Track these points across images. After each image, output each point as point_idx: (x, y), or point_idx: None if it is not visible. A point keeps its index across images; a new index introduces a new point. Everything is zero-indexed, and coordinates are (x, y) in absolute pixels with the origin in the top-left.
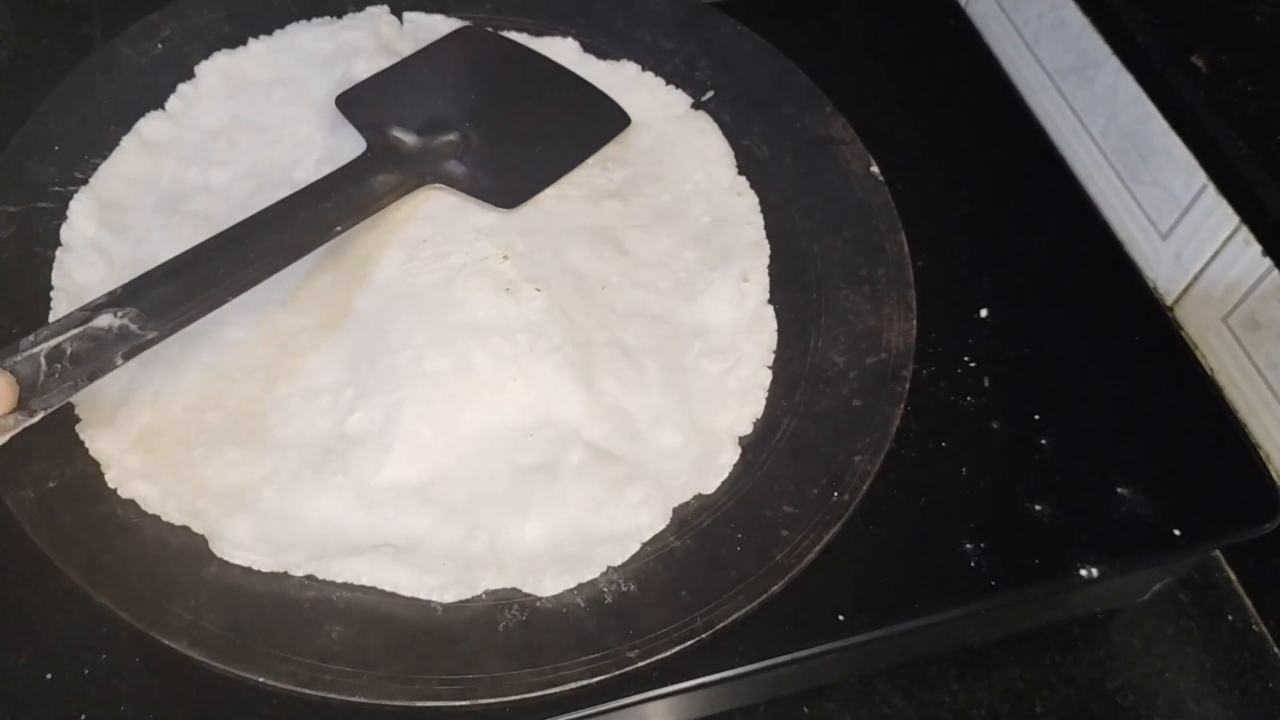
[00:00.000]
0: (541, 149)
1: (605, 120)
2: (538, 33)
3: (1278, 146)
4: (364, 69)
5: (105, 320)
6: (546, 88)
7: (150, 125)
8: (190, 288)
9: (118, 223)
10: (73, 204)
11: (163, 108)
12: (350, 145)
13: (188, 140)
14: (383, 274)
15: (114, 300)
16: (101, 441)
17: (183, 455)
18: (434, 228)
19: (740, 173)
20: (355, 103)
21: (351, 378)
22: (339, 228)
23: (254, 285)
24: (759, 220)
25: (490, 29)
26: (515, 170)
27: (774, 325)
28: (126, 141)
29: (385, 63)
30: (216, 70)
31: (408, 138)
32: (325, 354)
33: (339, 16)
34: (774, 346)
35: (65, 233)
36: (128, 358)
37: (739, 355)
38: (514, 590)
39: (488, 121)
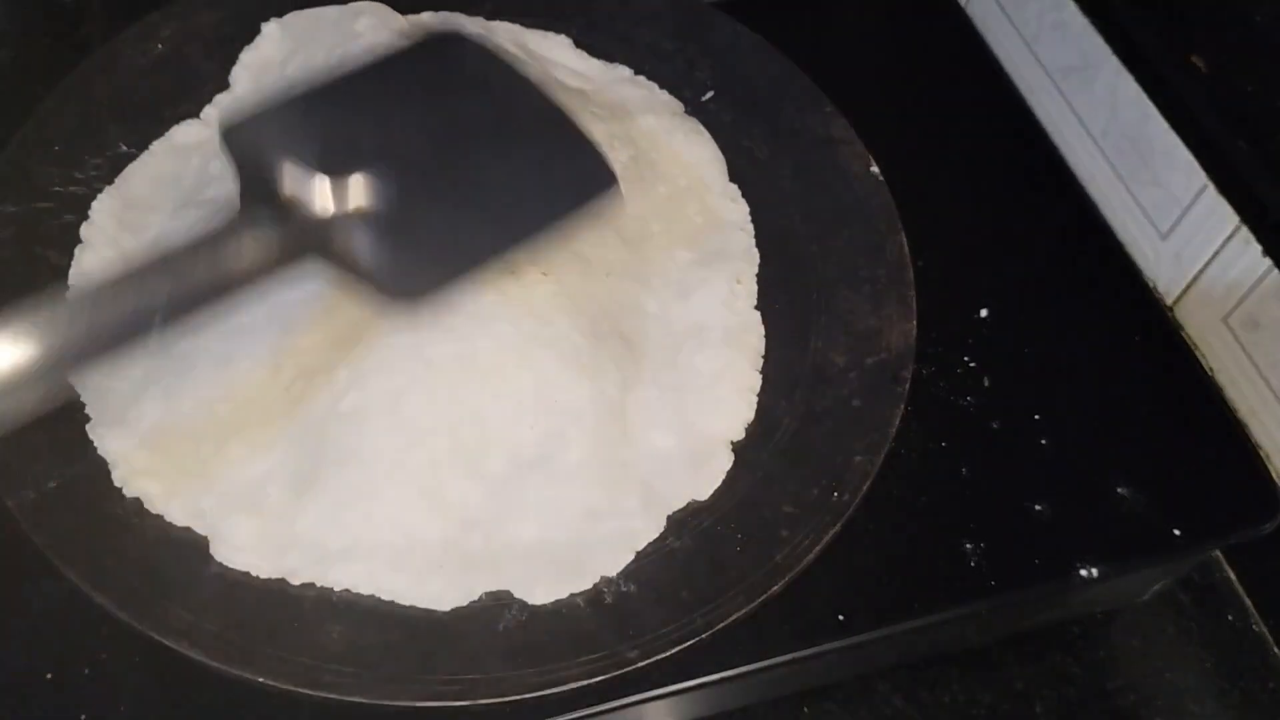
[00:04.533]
0: (479, 215)
1: (581, 182)
2: (533, 29)
3: (1278, 146)
4: (365, 25)
5: None
6: (514, 124)
7: (183, 131)
8: None
9: (137, 221)
10: (95, 203)
11: (198, 117)
12: None
13: (216, 140)
14: None
15: None
16: (111, 440)
17: (190, 451)
18: None
19: (739, 174)
20: (245, 132)
21: (347, 355)
22: (156, 325)
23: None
24: (750, 228)
25: (471, 38)
26: (430, 244)
27: (761, 330)
28: (157, 146)
29: (390, 19)
30: (244, 70)
31: (301, 181)
32: (321, 332)
33: None
34: (763, 351)
35: (85, 230)
36: None
37: (730, 358)
38: (510, 593)
39: (419, 163)
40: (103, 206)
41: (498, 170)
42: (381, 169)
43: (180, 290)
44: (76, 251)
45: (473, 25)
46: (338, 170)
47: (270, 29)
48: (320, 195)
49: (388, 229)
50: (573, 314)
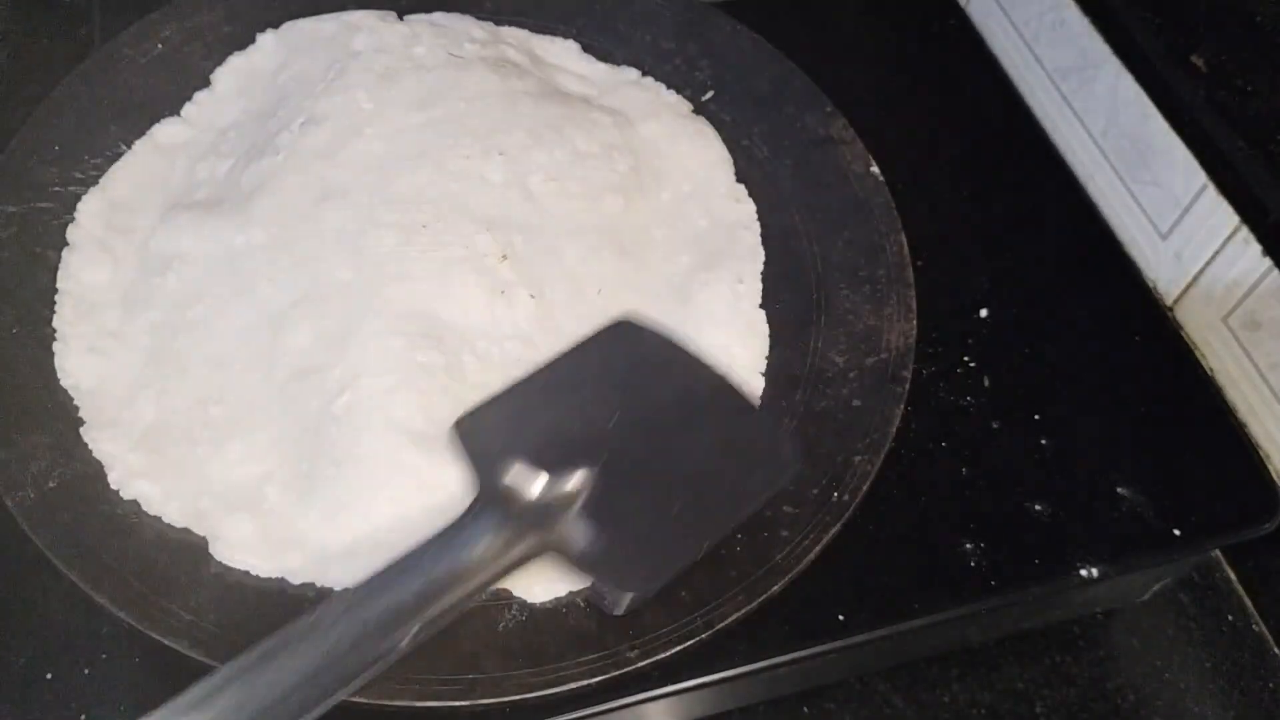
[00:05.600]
0: (680, 506)
1: (766, 467)
2: (538, 32)
3: (1278, 146)
4: (363, 43)
5: None
6: (704, 412)
7: (165, 130)
8: None
9: (124, 223)
10: (81, 205)
11: (178, 114)
12: (339, 112)
13: (201, 140)
14: (377, 251)
15: None
16: (105, 442)
17: (186, 453)
18: (434, 213)
19: (739, 177)
20: (475, 431)
21: (339, 357)
22: (417, 627)
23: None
24: (756, 227)
25: (647, 326)
26: (641, 540)
27: (766, 331)
28: (139, 146)
29: (388, 35)
30: (230, 72)
31: (528, 483)
32: (312, 329)
33: None
34: (766, 353)
35: (72, 233)
36: None
37: (731, 360)
38: (509, 591)
39: (625, 458)
40: (88, 208)
41: (691, 459)
42: (594, 463)
43: (428, 591)
44: (64, 254)
45: (480, 29)
46: (559, 466)
47: (265, 39)
48: (545, 491)
49: (599, 521)
50: (557, 336)
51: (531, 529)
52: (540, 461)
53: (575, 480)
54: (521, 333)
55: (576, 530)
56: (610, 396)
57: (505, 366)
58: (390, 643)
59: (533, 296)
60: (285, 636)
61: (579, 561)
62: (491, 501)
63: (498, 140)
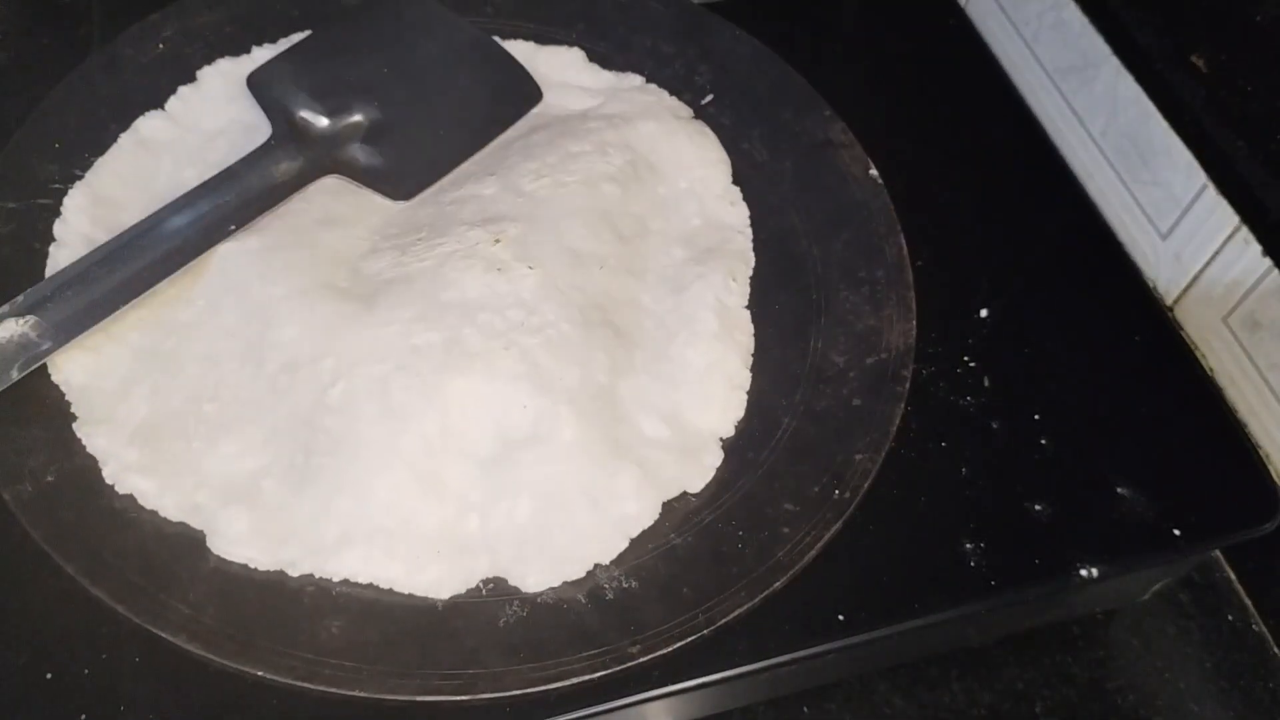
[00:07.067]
0: (447, 130)
1: (516, 97)
2: (541, 39)
3: (1278, 146)
4: None
5: (5, 330)
6: (462, 59)
7: (149, 124)
8: (89, 296)
9: (111, 220)
10: (67, 200)
11: (162, 108)
12: None
13: (187, 140)
14: (373, 266)
15: (15, 310)
16: (99, 438)
17: (181, 449)
18: (429, 229)
19: (739, 177)
20: (266, 82)
21: (330, 348)
22: (233, 226)
23: (150, 288)
24: (749, 231)
25: None
26: (416, 155)
27: (751, 329)
28: (124, 139)
29: None
30: (218, 74)
31: (315, 120)
32: (303, 323)
33: None
34: (752, 349)
35: (59, 228)
36: (23, 370)
37: (721, 353)
38: (506, 580)
39: (397, 97)
40: (74, 203)
41: (451, 92)
42: (368, 99)
43: (244, 197)
44: (51, 249)
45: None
46: (337, 105)
47: (261, 54)
48: (329, 127)
49: (379, 145)
50: (560, 304)
51: (321, 153)
52: (322, 106)
53: (354, 118)
54: (524, 302)
55: (360, 154)
56: (381, 53)
57: (509, 333)
58: (213, 238)
59: (531, 268)
60: (138, 230)
61: (361, 175)
62: (285, 135)
63: (489, 164)
